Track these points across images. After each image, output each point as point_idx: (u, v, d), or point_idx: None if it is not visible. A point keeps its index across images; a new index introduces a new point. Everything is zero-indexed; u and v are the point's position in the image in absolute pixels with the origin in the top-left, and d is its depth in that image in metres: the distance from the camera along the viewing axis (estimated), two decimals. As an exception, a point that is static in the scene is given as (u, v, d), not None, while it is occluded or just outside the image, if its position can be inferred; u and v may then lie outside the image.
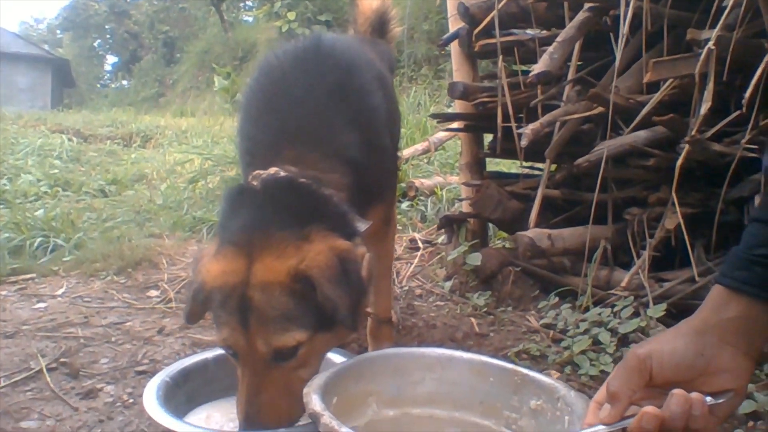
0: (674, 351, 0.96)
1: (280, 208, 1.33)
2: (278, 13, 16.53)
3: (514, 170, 3.83)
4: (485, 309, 2.46)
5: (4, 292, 2.66)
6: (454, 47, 2.97)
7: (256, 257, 1.26)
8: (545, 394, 1.29)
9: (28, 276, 2.90)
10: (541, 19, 2.66)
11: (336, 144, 1.49)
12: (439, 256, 3.07)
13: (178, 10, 29.18)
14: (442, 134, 5.64)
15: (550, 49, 2.28)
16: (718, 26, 1.79)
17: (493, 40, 2.65)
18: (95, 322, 2.34)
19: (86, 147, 8.95)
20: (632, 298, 2.08)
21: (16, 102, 21.21)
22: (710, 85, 1.81)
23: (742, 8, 1.81)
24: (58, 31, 39.92)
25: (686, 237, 2.00)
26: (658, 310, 1.95)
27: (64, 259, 3.13)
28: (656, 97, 2.08)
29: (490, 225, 3.03)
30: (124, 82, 32.92)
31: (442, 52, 10.95)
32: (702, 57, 1.81)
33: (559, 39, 2.29)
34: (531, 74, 2.26)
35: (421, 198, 4.36)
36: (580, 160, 2.23)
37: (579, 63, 2.59)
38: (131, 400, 1.74)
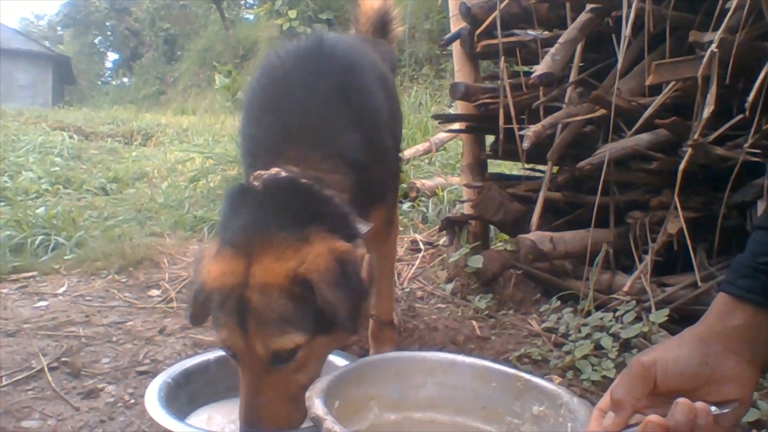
0: (678, 359, 0.95)
1: (281, 208, 1.33)
2: (279, 11, 16.53)
3: (515, 172, 3.84)
4: (486, 312, 2.46)
5: (5, 290, 2.66)
6: (455, 47, 2.96)
7: (255, 259, 1.26)
8: (548, 400, 1.29)
9: (29, 274, 2.90)
10: (542, 20, 2.65)
11: (338, 144, 1.49)
12: (440, 258, 3.06)
13: (179, 8, 29.15)
14: (443, 135, 5.64)
15: (552, 50, 2.27)
16: (721, 29, 1.79)
17: (495, 41, 2.65)
18: (96, 321, 2.34)
19: (87, 144, 8.95)
20: (634, 302, 2.07)
21: (17, 99, 21.20)
22: (713, 89, 1.81)
23: (745, 10, 1.80)
24: (59, 28, 39.85)
25: (688, 241, 1.99)
26: (660, 316, 1.94)
27: (66, 257, 3.13)
28: (658, 100, 2.08)
29: (492, 227, 3.02)
30: (125, 80, 32.90)
31: (444, 52, 10.94)
32: (705, 60, 1.80)
33: (561, 40, 2.29)
34: (533, 75, 2.25)
35: (422, 199, 4.36)
36: (582, 163, 2.23)
37: (581, 64, 2.58)
38: (132, 401, 1.74)
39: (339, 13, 16.06)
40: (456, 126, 3.15)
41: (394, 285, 2.21)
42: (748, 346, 0.96)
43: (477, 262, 2.60)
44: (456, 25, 2.93)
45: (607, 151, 2.14)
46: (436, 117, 3.42)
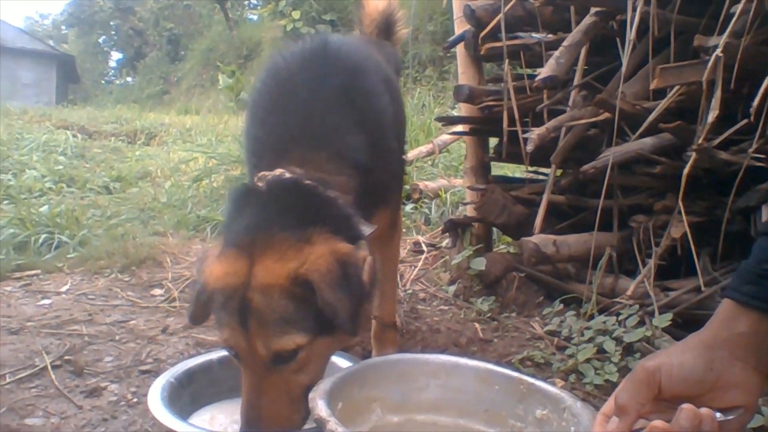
0: (683, 365, 0.95)
1: (284, 209, 1.33)
2: (283, 12, 16.54)
3: (518, 174, 3.84)
4: (489, 314, 2.46)
5: (8, 288, 2.67)
6: (459, 50, 2.96)
7: (257, 259, 1.26)
8: (551, 404, 1.29)
9: (33, 272, 2.91)
10: (547, 23, 2.65)
11: (342, 146, 1.49)
12: (443, 260, 3.06)
13: (183, 8, 29.22)
14: (446, 136, 5.64)
15: (557, 53, 2.27)
16: (726, 33, 1.78)
17: (499, 44, 2.64)
18: (99, 320, 2.34)
19: (91, 143, 8.97)
20: (637, 306, 2.07)
21: (21, 97, 21.24)
22: (718, 93, 1.81)
23: (750, 15, 1.80)
24: (63, 27, 39.99)
25: (692, 246, 1.99)
26: (663, 320, 1.94)
27: (69, 255, 3.14)
28: (663, 104, 2.08)
29: (495, 229, 3.02)
30: (129, 79, 32.98)
31: (447, 54, 10.95)
32: (710, 64, 1.80)
33: (565, 43, 2.28)
34: (537, 79, 2.25)
35: (425, 201, 4.36)
36: (586, 167, 2.22)
37: (585, 68, 2.58)
38: (135, 399, 1.74)
39: (343, 14, 16.08)
40: (459, 128, 3.15)
41: (397, 287, 2.21)
42: (754, 352, 0.95)
43: (480, 264, 2.60)
44: (460, 27, 2.93)
45: (611, 154, 2.13)
46: (439, 119, 3.42)
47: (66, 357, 1.96)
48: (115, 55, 37.88)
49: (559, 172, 2.59)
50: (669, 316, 1.96)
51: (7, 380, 1.80)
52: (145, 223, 4.02)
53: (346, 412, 1.26)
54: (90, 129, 10.69)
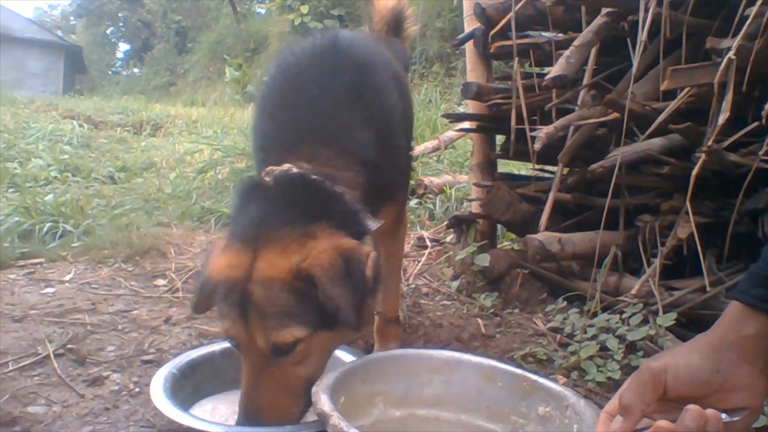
0: (689, 366, 0.95)
1: (290, 204, 1.33)
2: (291, 6, 16.50)
3: (523, 172, 3.83)
4: (492, 310, 2.46)
5: (12, 276, 2.68)
6: (468, 47, 2.96)
7: (260, 253, 1.27)
8: (554, 402, 1.29)
9: (37, 260, 2.91)
10: (557, 22, 2.64)
11: (351, 142, 1.49)
12: (446, 255, 3.06)
13: (191, 0, 29.19)
14: (452, 133, 5.64)
15: (567, 53, 2.26)
16: (740, 35, 1.77)
17: (509, 42, 2.64)
18: (102, 309, 2.34)
19: (96, 133, 8.98)
20: (641, 305, 2.06)
21: (29, 87, 21.28)
22: (729, 95, 1.79)
23: (765, 18, 1.78)
24: (72, 18, 40.03)
25: (699, 246, 1.98)
26: (668, 319, 1.94)
27: (73, 244, 3.14)
28: (673, 105, 2.07)
29: (499, 226, 3.02)
30: (136, 70, 33.01)
31: (456, 51, 10.93)
32: (722, 66, 1.78)
33: (576, 43, 2.28)
34: (547, 77, 2.24)
35: (430, 196, 4.36)
36: (593, 166, 2.22)
37: (595, 67, 2.57)
38: (137, 389, 1.74)
39: (351, 10, 16.03)
40: (466, 125, 3.14)
41: (400, 282, 2.21)
42: (761, 355, 0.95)
43: (484, 260, 2.59)
44: (470, 25, 2.92)
45: (619, 154, 2.12)
46: (447, 116, 3.40)
47: (69, 346, 1.96)
48: (123, 47, 37.92)
49: (565, 170, 2.58)
50: (673, 315, 1.96)
51: (10, 368, 1.80)
52: (149, 214, 4.03)
53: (349, 406, 1.26)
54: (96, 119, 10.70)
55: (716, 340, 0.98)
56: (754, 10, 1.78)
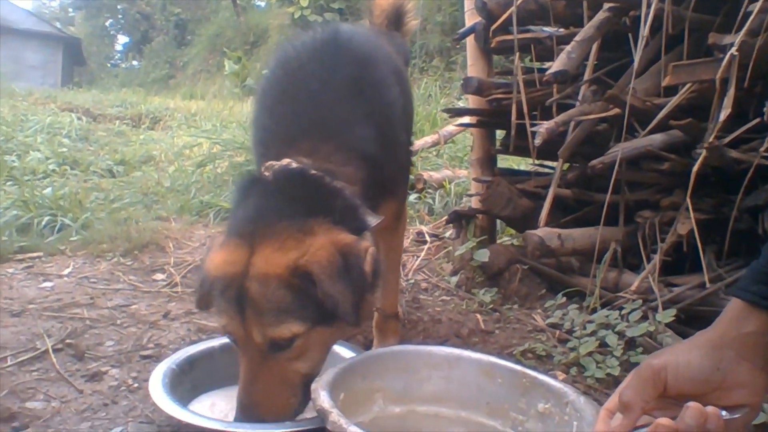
0: (690, 363, 0.95)
1: (289, 199, 1.33)
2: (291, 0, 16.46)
3: (523, 167, 3.82)
4: (491, 306, 2.45)
5: (11, 270, 2.67)
6: (469, 42, 2.94)
7: (257, 249, 1.27)
8: (554, 398, 1.29)
9: (35, 254, 2.90)
10: (559, 17, 2.62)
11: (351, 137, 1.48)
12: (446, 251, 3.06)
13: (190, -7, 29.07)
14: (451, 127, 5.63)
15: (568, 48, 2.25)
16: (743, 31, 1.76)
17: (510, 37, 2.62)
18: (101, 304, 2.34)
19: (95, 126, 8.96)
20: (641, 301, 2.06)
21: (27, 79, 21.19)
22: (731, 92, 1.78)
23: (769, 14, 1.78)
24: (71, 10, 39.87)
25: (699, 243, 1.98)
26: (667, 316, 1.93)
27: (71, 238, 3.14)
28: (674, 101, 2.06)
29: (498, 221, 3.01)
30: (135, 63, 32.86)
31: (457, 46, 10.90)
32: (724, 62, 1.77)
33: (577, 38, 2.27)
34: (548, 73, 2.23)
35: (429, 191, 4.36)
36: (594, 162, 2.21)
37: (596, 63, 2.56)
38: (136, 385, 1.74)
39: (351, 3, 15.98)
40: (466, 120, 3.13)
41: (400, 277, 2.20)
42: (761, 352, 0.95)
43: (483, 255, 2.59)
44: (471, 19, 2.91)
45: (619, 150, 2.12)
46: (447, 111, 3.40)
47: (67, 341, 1.96)
48: (122, 39, 37.73)
49: (565, 166, 2.58)
50: (673, 311, 1.95)
51: (8, 363, 1.80)
52: (148, 208, 4.02)
53: (348, 402, 1.26)
54: (95, 112, 10.67)
55: (716, 338, 0.98)
56: (757, 6, 1.77)
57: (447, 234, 3.27)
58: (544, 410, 1.31)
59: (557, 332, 2.18)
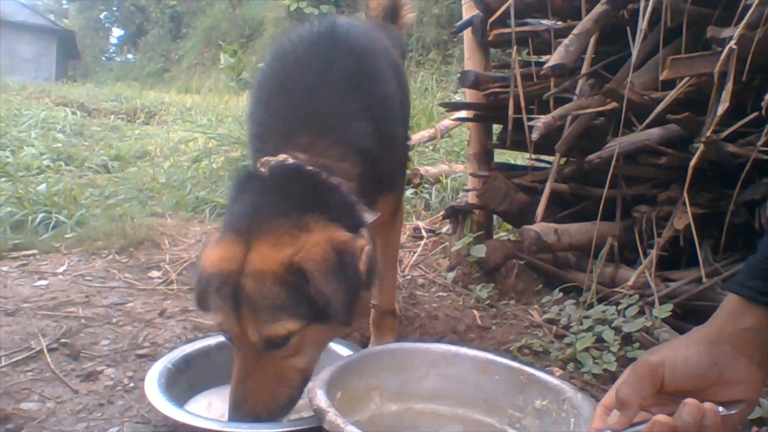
0: (687, 360, 0.94)
1: (284, 195, 1.32)
2: (287, -8, 16.37)
3: (520, 161, 3.81)
4: (488, 301, 2.45)
5: (5, 268, 2.65)
6: (466, 35, 2.92)
7: (252, 245, 1.26)
8: (551, 395, 1.29)
9: (30, 252, 2.89)
10: (557, 10, 2.61)
11: (348, 132, 1.47)
12: (442, 246, 3.05)
13: (185, -15, 28.89)
14: (448, 121, 5.61)
15: (566, 41, 2.23)
16: (742, 24, 1.75)
17: (507, 30, 2.61)
18: (96, 302, 2.33)
19: (90, 121, 8.91)
20: (637, 296, 2.06)
21: (21, 72, 21.08)
22: (729, 85, 1.78)
23: (768, 7, 1.76)
24: (65, 2, 39.61)
25: (695, 237, 1.97)
26: (664, 311, 1.93)
27: (66, 235, 3.12)
28: (672, 95, 2.05)
29: (495, 216, 3.01)
30: (130, 56, 32.72)
31: (454, 39, 10.86)
32: (723, 55, 1.76)
33: (575, 31, 2.25)
34: (545, 66, 2.21)
35: (426, 186, 4.34)
36: (591, 156, 2.20)
37: (593, 56, 2.54)
38: (132, 384, 1.73)
39: (347, -5, 15.92)
40: (463, 114, 3.12)
41: (397, 274, 2.19)
42: (759, 348, 0.94)
43: (480, 251, 2.58)
44: (468, 12, 2.89)
45: (617, 144, 2.11)
46: (444, 105, 3.38)
47: (62, 340, 1.94)
48: (116, 32, 37.50)
49: (562, 160, 2.57)
50: (669, 306, 1.95)
51: (3, 363, 1.78)
52: (143, 204, 4.00)
53: (346, 400, 1.25)
54: (89, 106, 10.62)
55: (713, 333, 0.97)
56: (757, -1, 1.76)
57: (444, 229, 3.27)
58: (542, 407, 1.31)
59: (554, 328, 2.18)
